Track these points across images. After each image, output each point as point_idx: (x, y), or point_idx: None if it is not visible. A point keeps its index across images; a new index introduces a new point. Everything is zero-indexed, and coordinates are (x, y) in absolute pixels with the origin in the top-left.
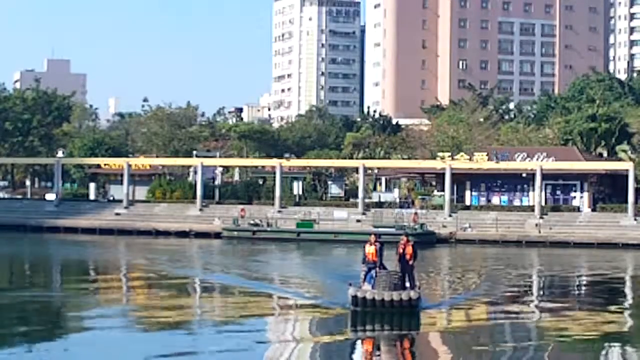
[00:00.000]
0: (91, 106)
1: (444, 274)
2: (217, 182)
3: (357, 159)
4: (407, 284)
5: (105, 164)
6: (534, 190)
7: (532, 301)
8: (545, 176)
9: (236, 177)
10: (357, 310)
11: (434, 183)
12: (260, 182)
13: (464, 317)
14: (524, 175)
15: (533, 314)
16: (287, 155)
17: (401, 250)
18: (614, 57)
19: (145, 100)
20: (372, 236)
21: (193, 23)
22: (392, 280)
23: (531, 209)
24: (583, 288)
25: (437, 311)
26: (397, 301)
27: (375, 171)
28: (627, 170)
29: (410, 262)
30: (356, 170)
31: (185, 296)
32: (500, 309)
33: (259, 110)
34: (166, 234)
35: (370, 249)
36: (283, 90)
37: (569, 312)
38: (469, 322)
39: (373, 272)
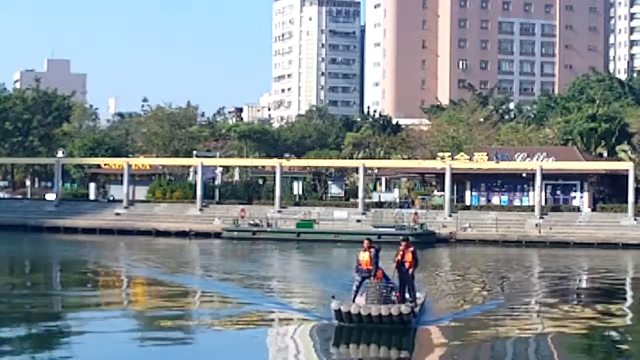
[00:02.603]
0: (91, 106)
1: (446, 278)
2: (217, 182)
3: (357, 159)
4: (407, 295)
5: (105, 164)
6: (534, 190)
7: (551, 319)
8: (545, 176)
9: (236, 177)
10: (342, 327)
11: (434, 183)
12: (260, 182)
13: (466, 342)
14: (524, 175)
15: (556, 340)
16: (287, 155)
17: (400, 257)
18: (614, 57)
19: (145, 100)
20: (366, 241)
21: (193, 23)
22: (381, 292)
23: (531, 209)
24: (608, 296)
25: (435, 329)
26: (386, 316)
27: (375, 171)
28: (627, 170)
29: (410, 271)
30: (356, 170)
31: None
32: (513, 327)
33: (259, 110)
34: (166, 234)
35: (364, 256)
36: (283, 90)
37: (597, 332)
38: (471, 352)
39: (367, 282)
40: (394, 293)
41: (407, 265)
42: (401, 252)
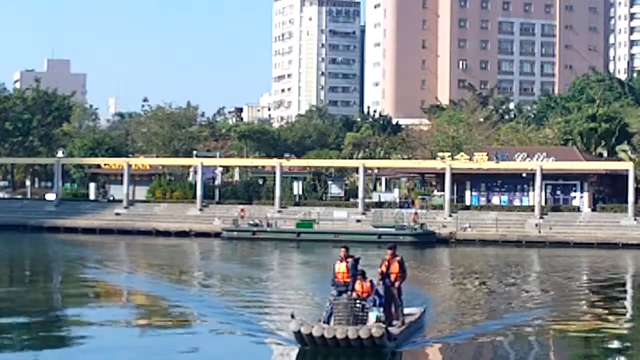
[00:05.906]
0: (91, 106)
1: (448, 285)
2: (217, 182)
3: (357, 159)
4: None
5: (105, 164)
6: (534, 190)
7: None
8: (545, 176)
9: (236, 177)
10: (306, 351)
11: (434, 183)
12: (260, 182)
13: None
14: (524, 175)
15: None
16: (287, 155)
17: (384, 268)
18: (614, 57)
19: (145, 100)
20: (343, 249)
21: (193, 23)
22: (352, 310)
23: (531, 209)
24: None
25: (423, 353)
26: (355, 339)
27: (375, 171)
28: (627, 170)
29: (397, 284)
30: (356, 170)
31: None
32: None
33: (259, 110)
34: (166, 234)
35: (340, 267)
36: (283, 90)
37: None
38: None
39: (339, 298)
40: (382, 309)
41: (392, 277)
42: (386, 262)
